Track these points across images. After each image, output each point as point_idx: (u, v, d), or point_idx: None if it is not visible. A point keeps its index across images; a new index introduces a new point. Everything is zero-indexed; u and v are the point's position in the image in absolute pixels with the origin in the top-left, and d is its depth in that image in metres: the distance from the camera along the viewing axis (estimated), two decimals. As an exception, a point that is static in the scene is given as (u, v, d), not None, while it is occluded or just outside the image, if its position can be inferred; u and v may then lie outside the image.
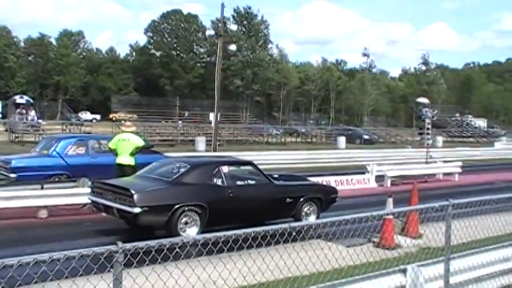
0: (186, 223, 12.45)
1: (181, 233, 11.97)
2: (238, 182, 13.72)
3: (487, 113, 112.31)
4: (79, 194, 15.35)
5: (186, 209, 12.46)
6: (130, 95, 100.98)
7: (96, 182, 13.98)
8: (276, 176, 15.40)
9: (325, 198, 14.95)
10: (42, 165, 18.02)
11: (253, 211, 12.82)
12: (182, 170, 13.54)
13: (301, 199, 14.33)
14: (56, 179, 17.38)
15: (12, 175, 17.52)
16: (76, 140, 19.62)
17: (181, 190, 12.99)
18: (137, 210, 11.77)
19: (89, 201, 14.13)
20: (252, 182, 13.99)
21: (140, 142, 16.76)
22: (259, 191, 13.88)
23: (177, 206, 12.32)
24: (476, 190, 20.25)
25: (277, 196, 14.03)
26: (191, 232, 12.16)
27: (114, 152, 16.41)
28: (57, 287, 4.95)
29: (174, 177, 13.33)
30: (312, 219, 14.20)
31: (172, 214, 12.21)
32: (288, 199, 14.14)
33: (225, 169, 13.67)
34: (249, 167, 14.66)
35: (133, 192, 11.99)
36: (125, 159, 16.12)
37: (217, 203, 12.81)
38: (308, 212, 14.45)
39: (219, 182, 13.34)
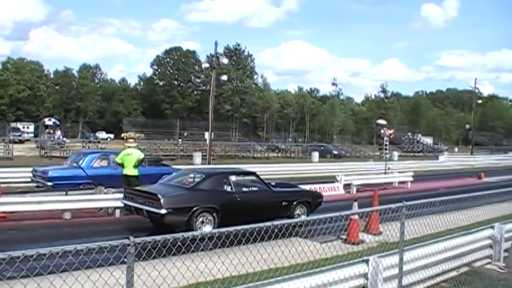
0: (202, 222, 12.59)
1: (198, 230, 11.99)
2: (244, 189, 13.84)
3: (432, 132, 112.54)
4: (96, 200, 15.53)
5: (202, 210, 12.62)
6: (138, 117, 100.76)
7: (127, 189, 14.20)
8: (274, 184, 15.58)
9: (313, 202, 15.09)
10: (73, 175, 18.04)
11: (256, 212, 12.79)
12: (198, 179, 13.75)
13: (294, 202, 14.47)
14: (83, 187, 17.36)
15: (49, 183, 17.65)
16: (100, 155, 19.64)
17: (198, 195, 13.08)
18: (163, 211, 12.03)
19: (121, 205, 14.19)
20: (255, 189, 14.10)
21: (141, 155, 16.63)
22: (261, 196, 13.93)
23: (195, 208, 12.49)
24: (425, 195, 20.25)
25: (275, 200, 14.16)
26: (206, 229, 12.12)
27: (121, 165, 16.35)
28: (81, 274, 4.94)
29: (192, 184, 13.57)
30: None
31: (191, 215, 12.39)
32: (283, 202, 14.27)
33: (233, 178, 13.82)
34: (252, 177, 14.74)
35: (160, 196, 12.23)
36: (130, 171, 16.06)
37: (227, 205, 12.92)
38: (300, 213, 14.53)
39: (228, 188, 13.49)
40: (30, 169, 20.35)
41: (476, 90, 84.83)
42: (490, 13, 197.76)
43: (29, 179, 19.83)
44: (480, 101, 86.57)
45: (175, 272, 5.79)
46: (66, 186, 16.89)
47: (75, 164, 18.73)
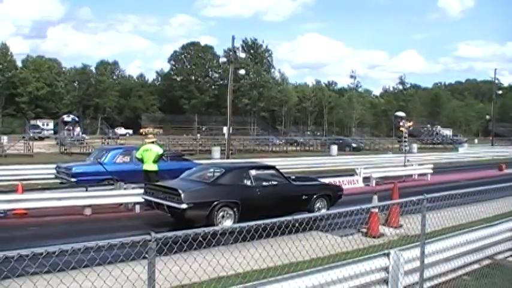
0: (222, 217, 12.63)
1: (218, 225, 12.05)
2: (264, 183, 13.83)
3: (452, 124, 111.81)
4: (116, 196, 15.61)
5: (223, 205, 12.66)
6: (156, 113, 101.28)
7: (148, 184, 14.29)
8: (294, 177, 15.56)
9: (333, 195, 15.05)
10: (96, 171, 18.02)
11: (276, 206, 12.85)
12: (218, 173, 13.79)
13: (314, 196, 14.43)
14: (107, 183, 17.39)
15: (73, 179, 17.83)
16: (122, 151, 19.73)
17: (219, 189, 13.13)
18: (184, 206, 12.10)
19: (141, 200, 14.25)
20: (275, 183, 14.07)
21: (159, 150, 16.81)
22: (281, 190, 13.91)
23: (216, 202, 12.54)
24: (445, 187, 20.09)
25: (295, 194, 14.13)
26: (227, 224, 12.21)
27: (140, 161, 16.51)
28: (103, 269, 4.97)
29: (212, 179, 13.61)
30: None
31: (212, 209, 12.44)
32: (304, 196, 14.25)
33: (253, 172, 13.81)
34: (272, 171, 14.72)
35: (180, 191, 12.31)
36: (149, 166, 16.25)
37: (248, 200, 12.93)
38: (320, 206, 14.50)
39: (248, 182, 13.51)
40: (51, 166, 20.60)
41: (496, 81, 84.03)
42: (508, 2, 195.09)
43: (50, 176, 20.07)
44: (500, 92, 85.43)
45: (196, 266, 5.80)
46: (90, 182, 17.01)
47: (98, 160, 18.81)
